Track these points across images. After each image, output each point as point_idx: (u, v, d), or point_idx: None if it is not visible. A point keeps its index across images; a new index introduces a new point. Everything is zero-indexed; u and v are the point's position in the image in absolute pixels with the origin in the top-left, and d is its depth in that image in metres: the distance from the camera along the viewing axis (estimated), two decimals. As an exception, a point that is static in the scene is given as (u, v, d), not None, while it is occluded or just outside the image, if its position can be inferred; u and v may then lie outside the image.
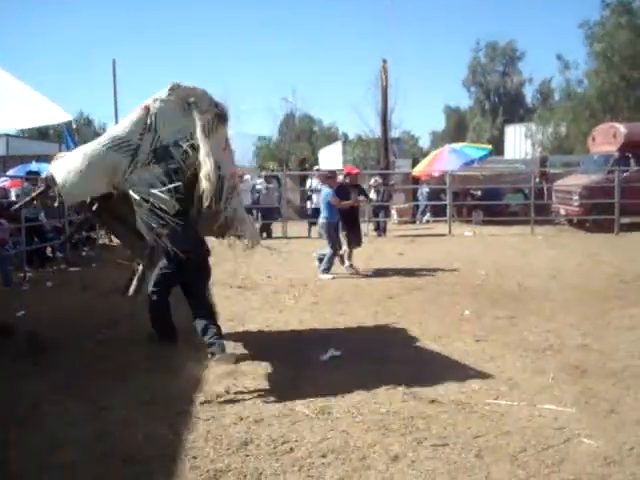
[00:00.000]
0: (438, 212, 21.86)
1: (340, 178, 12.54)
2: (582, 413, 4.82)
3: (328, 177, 12.09)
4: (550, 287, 9.87)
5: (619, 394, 5.21)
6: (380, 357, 6.36)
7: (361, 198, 12.50)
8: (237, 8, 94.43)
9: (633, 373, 5.71)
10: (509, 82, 58.08)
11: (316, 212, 18.60)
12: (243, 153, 60.52)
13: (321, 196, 12.08)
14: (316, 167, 21.47)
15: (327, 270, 11.37)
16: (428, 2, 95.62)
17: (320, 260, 11.60)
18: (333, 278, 11.14)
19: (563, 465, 4.00)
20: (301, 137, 57.92)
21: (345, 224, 11.73)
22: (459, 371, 5.87)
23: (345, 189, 12.00)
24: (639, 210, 18.69)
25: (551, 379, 5.60)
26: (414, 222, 22.61)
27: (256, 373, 5.91)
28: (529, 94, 59.61)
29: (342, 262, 11.88)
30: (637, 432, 4.46)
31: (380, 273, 11.62)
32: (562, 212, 19.84)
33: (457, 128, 60.38)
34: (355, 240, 11.94)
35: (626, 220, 18.46)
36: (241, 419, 4.82)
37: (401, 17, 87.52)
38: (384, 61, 23.83)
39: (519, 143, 42.41)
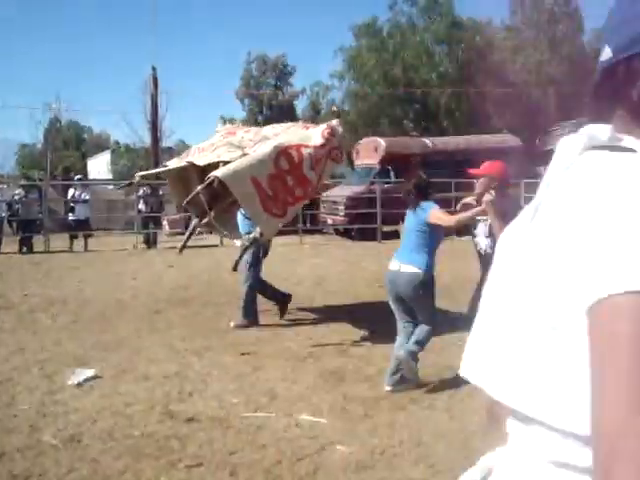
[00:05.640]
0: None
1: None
2: (337, 420, 4.90)
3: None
4: (314, 294, 10.11)
5: (373, 398, 5.38)
6: (140, 376, 6.08)
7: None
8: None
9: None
10: (281, 95, 59.59)
11: (78, 224, 17.65)
12: (2, 162, 56.62)
13: (416, 218, 5.67)
14: (77, 176, 20.28)
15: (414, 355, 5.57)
16: (200, 13, 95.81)
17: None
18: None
19: (317, 475, 4.01)
20: (69, 145, 55.16)
21: None
22: (220, 385, 5.76)
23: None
24: (398, 219, 19.96)
25: (310, 387, 5.66)
26: (187, 233, 22.26)
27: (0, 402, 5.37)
28: (301, 107, 61.57)
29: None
30: (388, 435, 4.61)
31: (147, 287, 11.21)
32: (329, 222, 20.61)
33: (231, 139, 60.77)
34: None
35: (387, 228, 19.56)
36: (-22, 455, 4.32)
37: (172, 26, 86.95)
38: (153, 69, 23.38)
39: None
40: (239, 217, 8.31)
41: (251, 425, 4.81)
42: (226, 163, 7.34)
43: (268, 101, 58.91)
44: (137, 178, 9.17)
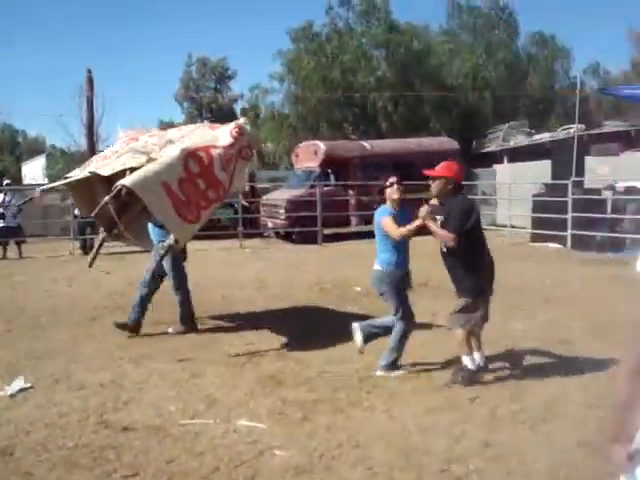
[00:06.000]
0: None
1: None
2: (276, 424, 4.88)
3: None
4: (255, 298, 10.06)
5: (312, 401, 5.37)
6: (75, 385, 5.95)
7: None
8: None
9: (326, 379, 5.94)
10: (221, 98, 59.20)
11: (9, 231, 17.07)
12: None
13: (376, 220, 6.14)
14: (6, 181, 19.60)
15: (393, 365, 6.15)
16: (139, 16, 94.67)
17: (368, 337, 6.33)
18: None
19: (255, 480, 3.98)
20: (3, 149, 53.77)
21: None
22: (157, 393, 5.68)
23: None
24: (339, 221, 20.19)
25: (248, 392, 5.62)
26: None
27: None
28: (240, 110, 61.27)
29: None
30: (327, 437, 4.61)
31: (84, 294, 10.99)
32: (270, 225, 20.55)
33: (170, 143, 60.01)
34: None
35: (328, 231, 19.63)
36: None
37: (110, 28, 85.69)
38: (89, 71, 22.93)
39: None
40: (149, 226, 8.00)
41: (188, 432, 4.75)
42: (132, 170, 7.02)
43: (208, 104, 58.45)
44: (38, 193, 8.63)
